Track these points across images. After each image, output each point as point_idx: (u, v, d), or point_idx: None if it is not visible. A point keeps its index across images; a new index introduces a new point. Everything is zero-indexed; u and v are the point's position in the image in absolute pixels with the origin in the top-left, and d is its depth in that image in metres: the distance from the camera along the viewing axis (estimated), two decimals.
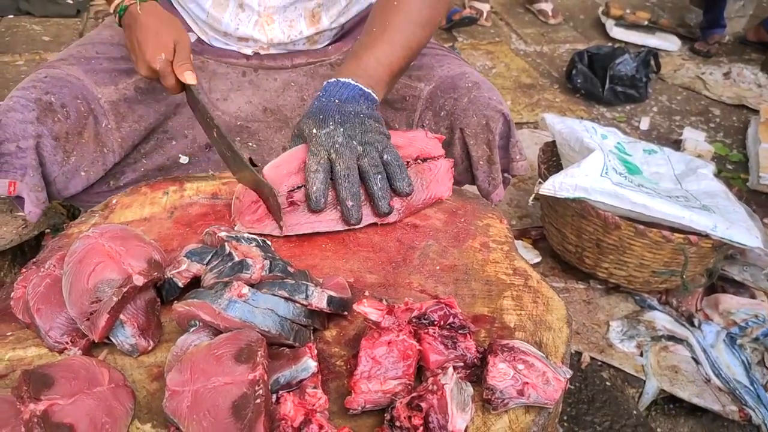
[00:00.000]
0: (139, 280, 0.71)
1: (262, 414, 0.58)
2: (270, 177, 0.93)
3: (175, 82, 1.04)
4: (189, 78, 1.02)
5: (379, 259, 0.90)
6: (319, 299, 0.73)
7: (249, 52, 1.23)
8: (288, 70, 1.24)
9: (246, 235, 0.81)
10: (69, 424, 0.60)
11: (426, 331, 0.70)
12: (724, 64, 3.22)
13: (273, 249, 0.83)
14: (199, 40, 1.24)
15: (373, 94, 0.99)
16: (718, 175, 1.81)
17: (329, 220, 0.92)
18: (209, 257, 0.78)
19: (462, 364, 0.69)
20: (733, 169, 2.40)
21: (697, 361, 1.51)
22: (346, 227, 0.92)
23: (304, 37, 1.21)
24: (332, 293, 0.75)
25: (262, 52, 1.23)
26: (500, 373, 0.66)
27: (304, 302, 0.73)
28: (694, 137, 2.51)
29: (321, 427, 0.60)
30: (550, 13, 3.55)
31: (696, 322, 1.60)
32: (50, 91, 1.07)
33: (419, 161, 0.98)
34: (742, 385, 1.45)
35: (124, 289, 0.70)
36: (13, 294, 0.77)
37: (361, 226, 0.93)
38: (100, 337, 0.70)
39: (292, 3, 1.15)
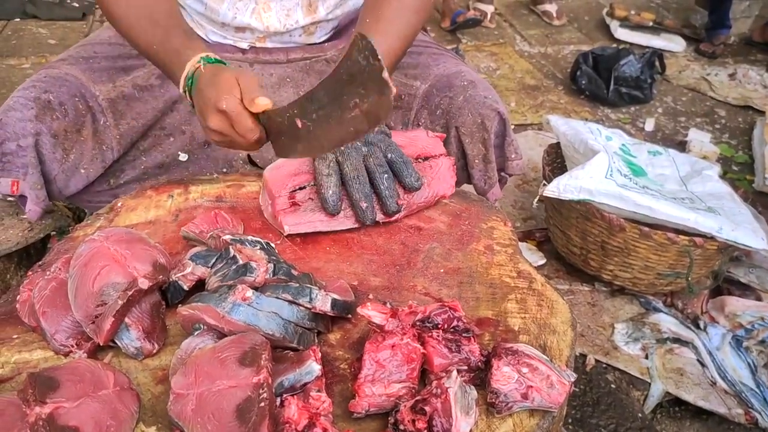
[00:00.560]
0: (144, 284, 0.72)
1: (266, 417, 0.58)
2: (271, 179, 0.94)
3: (252, 123, 0.86)
4: (262, 102, 0.85)
5: (383, 261, 0.90)
6: (323, 302, 0.73)
7: (245, 46, 1.23)
8: (284, 65, 1.24)
9: (250, 238, 0.81)
10: (74, 427, 0.60)
11: (430, 334, 0.70)
12: (730, 65, 3.21)
13: (277, 252, 0.83)
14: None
15: None
16: (723, 176, 1.80)
17: (332, 220, 0.92)
18: (214, 260, 0.78)
19: (466, 367, 0.69)
20: (738, 171, 2.39)
21: (702, 364, 1.50)
22: (349, 226, 0.93)
23: (300, 27, 1.21)
24: (336, 296, 0.75)
25: (259, 45, 1.23)
26: (504, 377, 0.66)
27: (308, 305, 0.73)
28: (699, 138, 2.50)
29: (325, 430, 0.60)
30: (554, 15, 3.55)
31: (701, 325, 1.60)
32: (48, 89, 1.08)
33: (420, 160, 0.99)
34: (748, 388, 1.44)
35: (129, 293, 0.70)
36: (18, 297, 0.77)
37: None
38: (105, 340, 0.71)
39: None
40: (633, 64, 2.74)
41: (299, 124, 0.80)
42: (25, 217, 1.31)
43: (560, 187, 1.54)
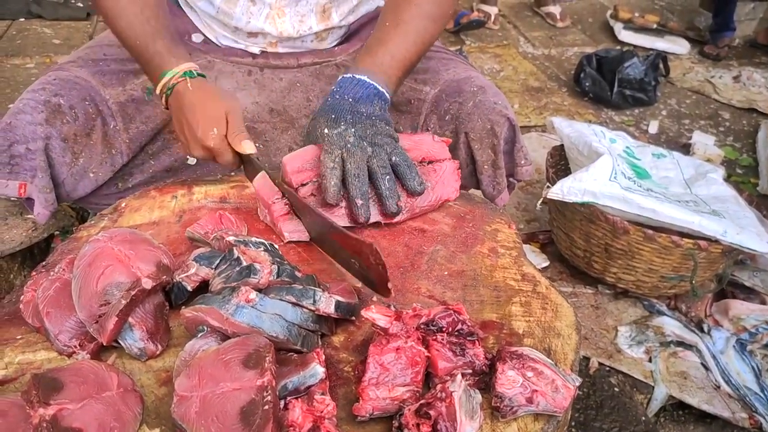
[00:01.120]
0: (147, 284, 0.71)
1: (270, 420, 0.58)
2: (260, 187, 0.95)
3: (233, 158, 0.96)
4: (248, 147, 0.94)
5: (387, 264, 0.89)
6: (326, 304, 0.73)
7: (257, 50, 1.23)
8: (294, 70, 1.25)
9: (254, 239, 0.81)
10: (78, 429, 0.60)
11: (434, 337, 0.69)
12: (734, 68, 3.20)
13: (281, 253, 0.83)
14: (205, 39, 1.25)
15: (386, 93, 1.00)
16: (727, 179, 1.79)
17: (335, 216, 0.93)
18: (217, 261, 0.78)
19: (470, 371, 0.69)
20: (742, 174, 2.38)
21: (706, 368, 1.49)
22: (351, 224, 0.93)
23: (312, 33, 1.21)
24: (340, 298, 0.75)
25: (270, 50, 1.23)
26: (509, 381, 0.66)
27: (312, 307, 0.73)
28: (703, 141, 2.49)
29: None
30: (558, 16, 3.54)
31: (705, 328, 1.59)
32: (59, 93, 1.08)
33: (424, 164, 0.99)
34: (752, 392, 1.43)
35: (133, 292, 0.70)
36: (22, 297, 0.77)
37: (366, 224, 0.94)
38: (108, 340, 0.71)
39: None
40: (637, 66, 2.74)
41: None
42: (30, 216, 1.31)
43: (564, 190, 1.54)
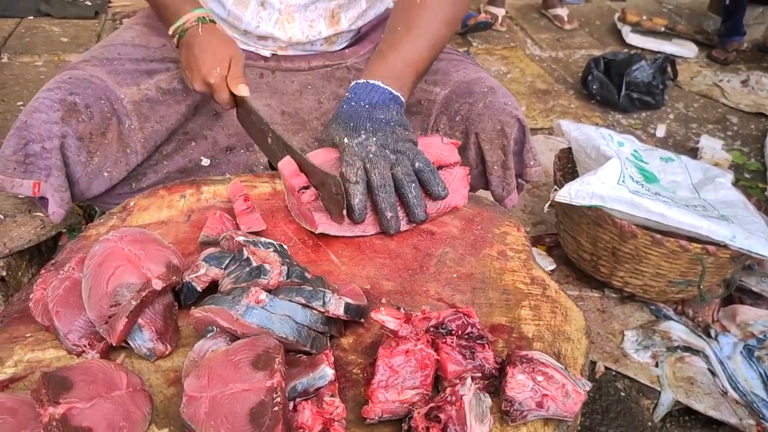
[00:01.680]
0: (158, 285, 0.71)
1: (279, 422, 0.58)
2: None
3: (228, 97, 1.06)
4: (243, 90, 1.04)
5: (396, 266, 0.90)
6: (336, 306, 0.73)
7: (267, 53, 1.23)
8: (305, 73, 1.25)
9: (264, 239, 0.81)
10: (87, 428, 0.60)
11: (444, 340, 0.69)
12: (742, 72, 3.19)
13: (290, 254, 0.83)
14: None
15: (401, 97, 1.00)
16: (735, 184, 1.78)
17: (357, 227, 0.93)
18: (227, 262, 0.78)
19: (480, 374, 0.68)
20: (750, 178, 2.37)
21: (713, 373, 1.49)
22: (373, 233, 0.94)
23: (322, 38, 1.21)
24: (349, 300, 0.74)
25: (280, 53, 1.23)
26: (519, 385, 0.65)
27: (322, 309, 0.73)
28: (711, 145, 2.48)
29: None
30: (565, 19, 3.54)
31: (712, 334, 1.58)
32: (74, 91, 1.08)
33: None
34: (759, 398, 1.42)
35: (143, 294, 0.70)
36: (32, 296, 0.77)
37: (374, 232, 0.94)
38: (118, 341, 0.71)
39: (312, 2, 1.16)
40: (645, 69, 2.73)
41: (269, 140, 1.02)
42: (38, 214, 1.31)
43: (572, 193, 1.53)
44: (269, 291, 0.72)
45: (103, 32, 3.04)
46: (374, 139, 0.93)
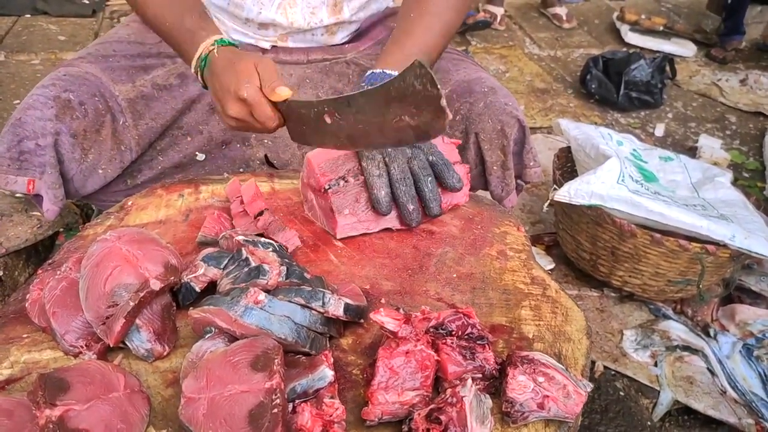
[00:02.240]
0: (156, 285, 0.71)
1: (279, 424, 0.57)
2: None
3: (272, 111, 0.88)
4: (283, 92, 0.87)
5: (395, 266, 0.89)
6: (335, 307, 0.73)
7: (267, 45, 1.22)
8: (303, 66, 1.24)
9: (263, 239, 0.81)
10: (84, 430, 0.59)
11: (444, 341, 0.69)
12: (741, 71, 3.18)
13: (289, 254, 0.82)
14: None
15: None
16: (734, 183, 1.78)
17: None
18: (226, 262, 0.77)
19: (480, 375, 0.68)
20: (749, 177, 2.37)
21: (712, 373, 1.48)
22: (393, 227, 0.94)
23: (323, 26, 1.21)
24: (349, 301, 0.74)
25: (280, 44, 1.22)
26: (520, 386, 0.65)
27: (321, 309, 0.72)
28: (709, 144, 2.48)
29: None
30: (564, 18, 3.53)
31: (712, 333, 1.58)
32: (69, 88, 1.07)
33: None
34: (758, 398, 1.42)
35: (141, 294, 0.70)
36: (28, 296, 0.76)
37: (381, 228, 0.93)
38: (115, 342, 0.70)
39: None
40: (643, 68, 2.73)
41: (328, 119, 0.82)
42: (35, 213, 1.31)
43: (571, 192, 1.53)
44: (268, 291, 0.72)
45: (101, 30, 3.03)
46: None
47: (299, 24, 1.18)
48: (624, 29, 3.40)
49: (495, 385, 0.69)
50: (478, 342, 0.69)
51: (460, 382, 0.65)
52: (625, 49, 3.08)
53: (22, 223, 1.30)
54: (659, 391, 1.43)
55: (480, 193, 1.17)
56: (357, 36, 1.29)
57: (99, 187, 1.14)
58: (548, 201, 1.61)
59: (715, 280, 1.59)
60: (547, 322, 0.80)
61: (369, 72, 1.00)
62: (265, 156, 1.24)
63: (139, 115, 1.15)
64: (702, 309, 1.64)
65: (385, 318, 0.68)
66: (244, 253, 0.76)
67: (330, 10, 1.19)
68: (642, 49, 3.23)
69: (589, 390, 0.67)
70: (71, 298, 0.73)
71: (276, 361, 0.63)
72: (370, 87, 0.80)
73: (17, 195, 1.39)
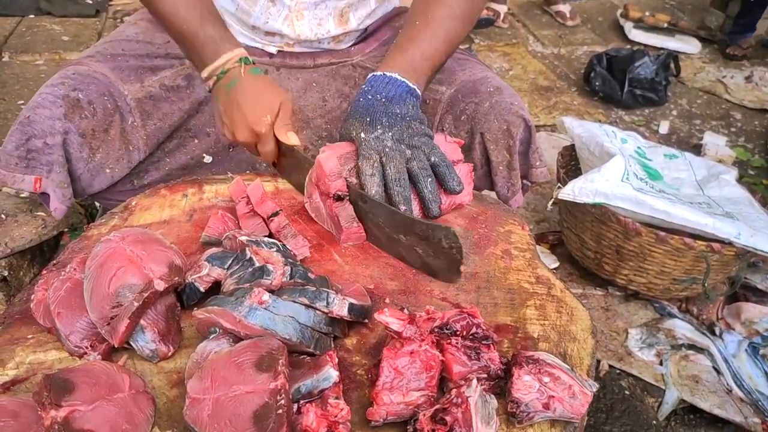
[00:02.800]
0: (160, 285, 0.71)
1: (284, 425, 0.57)
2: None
3: (273, 149, 0.98)
4: (292, 138, 0.96)
5: (399, 265, 0.89)
6: (340, 307, 0.72)
7: (273, 50, 1.22)
8: (310, 70, 1.24)
9: (267, 239, 0.81)
10: (90, 431, 0.59)
11: (449, 341, 0.68)
12: (746, 68, 3.17)
13: (293, 254, 0.82)
14: None
15: (417, 89, 1.00)
16: (739, 180, 1.77)
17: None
18: (230, 262, 0.77)
19: (485, 375, 0.68)
20: (754, 175, 2.36)
21: (718, 371, 1.48)
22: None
23: (330, 36, 1.21)
24: (353, 301, 0.74)
25: (287, 49, 1.22)
26: (525, 386, 0.65)
27: (325, 309, 0.72)
28: (714, 142, 2.47)
29: None
30: (567, 15, 3.52)
31: (717, 331, 1.57)
32: (78, 87, 1.07)
33: None
34: (764, 396, 1.42)
35: (145, 295, 0.70)
36: (33, 297, 0.77)
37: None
38: (120, 342, 0.70)
39: (323, 0, 1.15)
40: (648, 65, 2.71)
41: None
42: (39, 213, 1.31)
43: (576, 190, 1.52)
44: (272, 291, 0.71)
45: (104, 31, 3.03)
46: (390, 133, 0.93)
47: (306, 36, 1.18)
48: (628, 26, 3.39)
49: (500, 385, 0.68)
50: (483, 342, 0.69)
51: (465, 383, 0.65)
52: (629, 47, 3.07)
53: (27, 224, 1.30)
54: (665, 390, 1.43)
55: (485, 193, 1.17)
56: (363, 38, 1.29)
57: (106, 186, 1.14)
58: (552, 199, 1.61)
59: (721, 278, 1.59)
60: (552, 321, 0.79)
61: (370, 75, 0.99)
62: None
63: (147, 116, 1.15)
64: (707, 307, 1.63)
65: (389, 318, 0.67)
66: (248, 253, 0.76)
67: (337, 21, 1.19)
68: (646, 46, 3.22)
69: (594, 390, 0.67)
70: (76, 298, 0.73)
71: (280, 361, 0.62)
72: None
73: (22, 195, 1.40)
